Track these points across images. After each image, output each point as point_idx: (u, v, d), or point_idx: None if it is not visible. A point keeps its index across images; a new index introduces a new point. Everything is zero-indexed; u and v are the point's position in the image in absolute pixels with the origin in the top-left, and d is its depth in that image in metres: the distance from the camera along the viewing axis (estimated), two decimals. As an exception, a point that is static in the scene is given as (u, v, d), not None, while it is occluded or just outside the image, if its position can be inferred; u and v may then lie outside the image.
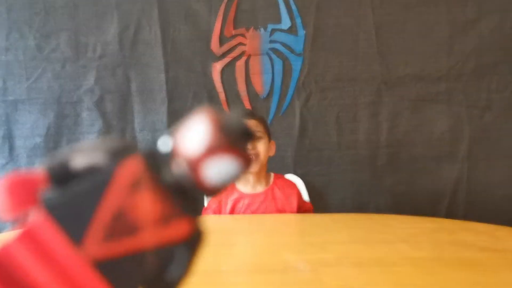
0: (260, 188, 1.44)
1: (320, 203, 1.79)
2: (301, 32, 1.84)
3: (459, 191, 1.84)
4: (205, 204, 1.51)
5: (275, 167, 1.57)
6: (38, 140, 1.85)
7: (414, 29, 1.83)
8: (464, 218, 1.78)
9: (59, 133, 1.86)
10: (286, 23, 1.85)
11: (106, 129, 1.86)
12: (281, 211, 1.42)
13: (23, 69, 1.85)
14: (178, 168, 0.31)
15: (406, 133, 1.85)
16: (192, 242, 0.32)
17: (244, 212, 1.42)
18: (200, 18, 1.85)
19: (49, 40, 1.86)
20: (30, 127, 1.85)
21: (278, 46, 1.85)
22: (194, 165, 0.30)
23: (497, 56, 1.81)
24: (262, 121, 1.48)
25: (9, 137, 1.85)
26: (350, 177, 1.84)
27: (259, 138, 1.41)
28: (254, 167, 1.40)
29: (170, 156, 0.31)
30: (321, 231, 1.19)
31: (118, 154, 0.30)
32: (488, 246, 0.97)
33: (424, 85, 1.84)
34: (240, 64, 1.86)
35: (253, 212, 1.41)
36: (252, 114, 1.51)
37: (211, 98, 1.86)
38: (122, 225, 0.29)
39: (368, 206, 1.84)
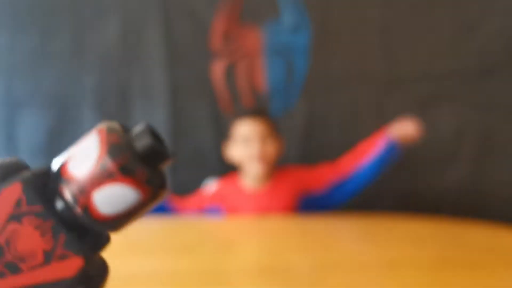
0: (264, 184, 1.43)
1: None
2: (305, 31, 1.84)
3: (463, 191, 1.83)
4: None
5: (277, 166, 1.57)
6: (41, 140, 1.85)
7: (419, 29, 1.82)
8: (469, 219, 1.77)
9: (62, 133, 1.86)
10: (290, 22, 1.84)
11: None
12: (286, 202, 1.41)
13: (26, 69, 1.86)
14: (69, 195, 0.27)
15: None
16: (87, 283, 0.28)
17: (246, 207, 1.41)
18: (203, 17, 1.85)
19: (52, 40, 1.86)
20: (32, 127, 1.85)
21: (281, 45, 1.85)
22: (85, 193, 0.26)
23: (503, 56, 1.80)
24: (270, 118, 1.48)
25: (12, 138, 1.85)
26: (354, 177, 1.83)
27: (264, 137, 1.40)
28: (262, 168, 1.40)
29: (60, 180, 0.27)
30: (324, 232, 1.18)
31: None
32: (492, 247, 0.96)
33: (429, 85, 1.83)
34: (242, 63, 1.85)
35: (257, 208, 1.40)
36: (261, 112, 1.51)
37: (213, 97, 1.85)
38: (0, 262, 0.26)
39: (372, 207, 1.83)
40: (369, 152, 1.41)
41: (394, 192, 1.84)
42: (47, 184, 0.27)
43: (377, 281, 0.76)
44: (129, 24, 1.85)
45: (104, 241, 0.30)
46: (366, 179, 1.41)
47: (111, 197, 0.26)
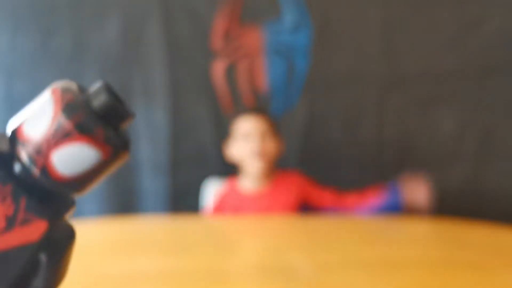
0: (265, 185, 1.43)
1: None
2: (306, 31, 1.84)
3: (465, 191, 1.83)
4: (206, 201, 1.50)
5: (279, 166, 1.57)
6: (42, 139, 1.85)
7: (420, 28, 1.82)
8: (470, 219, 1.77)
9: (62, 132, 1.86)
10: (290, 21, 1.84)
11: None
12: (287, 205, 1.41)
13: (27, 68, 1.86)
14: (25, 157, 0.26)
15: (412, 133, 1.83)
16: (52, 247, 0.26)
17: (247, 210, 1.40)
18: (204, 16, 1.84)
19: (53, 39, 1.86)
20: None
21: (282, 44, 1.84)
22: (41, 153, 0.26)
23: (503, 55, 1.80)
24: (270, 117, 1.48)
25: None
26: (356, 176, 1.82)
27: (264, 134, 1.41)
28: (262, 165, 1.39)
29: (16, 143, 0.26)
30: (325, 231, 1.18)
31: None
32: (493, 247, 0.96)
33: (431, 84, 1.83)
34: (243, 63, 1.85)
35: (257, 210, 1.40)
36: (262, 111, 1.51)
37: (213, 97, 1.85)
38: None
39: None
40: (374, 200, 1.40)
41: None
42: (3, 147, 0.27)
43: (378, 281, 0.76)
44: (130, 24, 1.85)
45: (68, 204, 0.29)
46: (361, 213, 1.41)
47: (69, 157, 0.25)
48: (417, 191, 1.34)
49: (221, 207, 1.44)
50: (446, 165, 1.83)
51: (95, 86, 0.28)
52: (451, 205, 1.84)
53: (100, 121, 0.26)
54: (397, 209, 1.33)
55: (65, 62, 1.85)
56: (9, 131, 0.27)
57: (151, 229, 1.23)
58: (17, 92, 1.85)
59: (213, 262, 0.88)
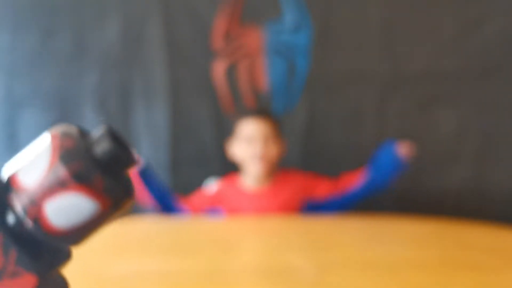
0: (265, 184, 1.45)
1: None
2: (307, 31, 1.83)
3: (465, 191, 1.83)
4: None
5: (280, 167, 1.57)
6: (42, 139, 1.85)
7: (422, 28, 1.81)
8: (470, 219, 1.76)
9: (63, 132, 1.86)
10: (291, 21, 1.83)
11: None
12: (287, 204, 1.42)
13: (27, 68, 1.86)
14: (19, 206, 0.25)
15: (412, 133, 1.83)
16: None
17: (247, 207, 1.42)
18: (204, 16, 1.84)
19: (53, 39, 1.86)
20: (34, 126, 1.85)
21: (283, 44, 1.84)
22: (35, 203, 0.24)
23: (504, 56, 1.80)
24: (275, 118, 1.49)
25: (14, 137, 1.85)
26: (355, 177, 1.82)
27: (267, 138, 1.42)
28: (263, 169, 1.41)
29: (10, 191, 0.25)
30: (325, 232, 1.18)
31: None
32: (494, 247, 0.96)
33: (432, 84, 1.82)
34: (244, 63, 1.85)
35: (257, 207, 1.41)
36: (264, 112, 1.51)
37: (214, 97, 1.85)
38: None
39: (373, 207, 1.83)
40: (369, 171, 1.42)
41: (395, 193, 1.83)
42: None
43: (379, 282, 0.76)
44: (130, 24, 1.85)
45: (63, 257, 0.27)
46: (367, 188, 1.42)
47: (64, 208, 0.24)
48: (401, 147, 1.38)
49: (219, 198, 1.45)
50: (447, 165, 1.83)
51: (98, 131, 0.26)
52: (451, 205, 1.84)
53: (101, 169, 0.25)
54: (394, 164, 1.37)
55: (65, 62, 1.85)
56: (3, 177, 0.26)
57: (152, 229, 1.23)
58: (17, 92, 1.85)
59: (214, 263, 0.88)
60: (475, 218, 1.80)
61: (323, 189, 1.44)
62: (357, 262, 0.85)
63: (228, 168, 1.80)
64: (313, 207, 1.44)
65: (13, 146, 1.86)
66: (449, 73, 1.81)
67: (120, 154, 0.25)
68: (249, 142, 1.42)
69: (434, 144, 1.83)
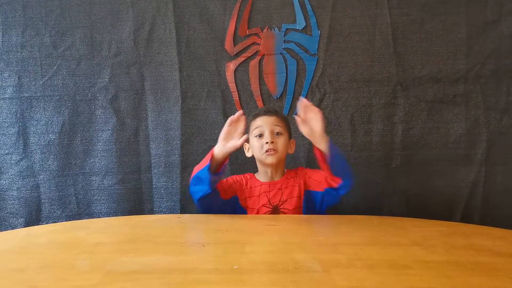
0: (277, 178, 1.52)
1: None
2: (316, 32, 1.84)
3: (475, 195, 1.82)
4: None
5: (288, 167, 1.58)
6: (52, 137, 1.87)
7: (431, 30, 1.81)
8: (480, 223, 1.75)
9: (73, 130, 1.87)
10: (300, 23, 1.84)
11: (120, 127, 1.87)
12: (293, 195, 1.48)
13: (38, 66, 1.87)
14: None
15: (421, 135, 1.82)
16: None
17: (261, 198, 1.48)
18: (215, 17, 1.85)
19: (65, 37, 1.87)
20: (44, 124, 1.86)
21: (292, 46, 1.85)
22: None
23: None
24: (284, 118, 1.53)
25: (24, 134, 1.87)
26: (364, 178, 1.82)
27: (279, 134, 1.49)
28: (273, 160, 1.47)
29: None
30: (333, 232, 1.18)
31: None
32: (503, 251, 0.95)
33: (441, 86, 1.82)
34: (253, 63, 1.85)
35: (270, 198, 1.48)
36: (274, 111, 1.54)
37: (224, 98, 1.86)
38: None
39: (382, 209, 1.82)
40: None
41: (404, 194, 1.83)
42: None
43: (386, 283, 0.76)
44: (141, 24, 1.86)
45: None
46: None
47: None
48: (312, 118, 1.33)
49: (239, 182, 1.52)
50: (457, 168, 1.82)
51: None
52: (461, 209, 1.83)
53: None
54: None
55: (78, 60, 1.87)
56: None
57: (162, 227, 1.23)
58: (27, 91, 1.87)
59: (222, 261, 0.88)
60: (484, 220, 1.79)
61: (319, 177, 1.47)
62: (365, 263, 0.85)
63: (238, 167, 1.80)
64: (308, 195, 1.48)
65: (24, 142, 1.87)
66: (460, 76, 1.81)
67: None
68: (259, 137, 1.49)
69: (444, 147, 1.82)
